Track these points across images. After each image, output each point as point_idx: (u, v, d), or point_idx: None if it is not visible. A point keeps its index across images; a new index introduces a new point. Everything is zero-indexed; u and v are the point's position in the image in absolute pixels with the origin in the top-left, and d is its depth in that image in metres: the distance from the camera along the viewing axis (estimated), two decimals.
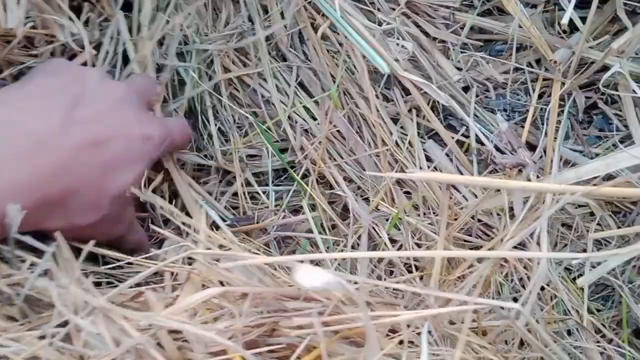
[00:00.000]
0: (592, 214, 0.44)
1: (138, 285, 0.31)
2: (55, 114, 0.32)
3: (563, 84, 0.43)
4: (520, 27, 0.46)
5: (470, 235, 0.44)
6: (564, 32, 0.46)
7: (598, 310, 0.43)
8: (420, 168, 0.45)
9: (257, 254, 0.36)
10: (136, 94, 0.38)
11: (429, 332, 0.33)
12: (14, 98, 0.33)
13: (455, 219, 0.43)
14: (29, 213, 0.29)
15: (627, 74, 0.38)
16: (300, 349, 0.26)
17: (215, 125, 0.49)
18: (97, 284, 0.35)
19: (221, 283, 0.31)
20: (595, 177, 0.41)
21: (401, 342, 0.28)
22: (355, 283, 0.31)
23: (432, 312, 0.27)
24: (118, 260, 0.35)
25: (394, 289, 0.41)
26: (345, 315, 0.27)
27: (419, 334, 0.30)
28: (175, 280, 0.34)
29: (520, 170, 0.41)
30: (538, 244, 0.30)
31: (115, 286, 0.32)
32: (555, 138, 0.42)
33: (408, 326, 0.30)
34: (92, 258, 0.37)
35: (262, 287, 0.29)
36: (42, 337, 0.27)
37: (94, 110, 0.34)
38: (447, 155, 0.45)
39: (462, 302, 0.26)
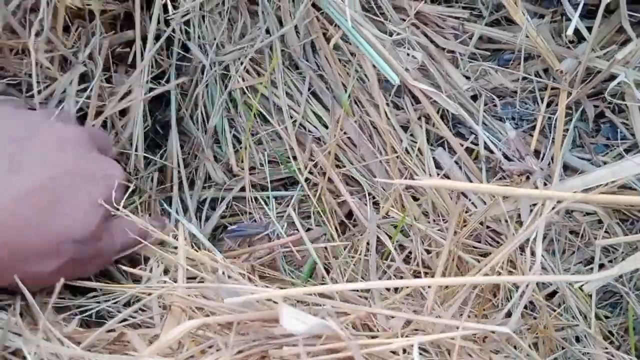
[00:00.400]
0: (600, 221, 0.44)
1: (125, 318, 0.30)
2: None
3: (570, 93, 0.44)
4: (527, 37, 0.47)
5: (479, 242, 0.44)
6: (571, 42, 0.47)
7: (606, 317, 0.43)
8: (430, 175, 0.46)
9: (242, 273, 0.35)
10: (90, 137, 0.36)
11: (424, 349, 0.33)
12: None
13: (464, 226, 0.43)
14: None
15: (632, 83, 0.39)
16: None
17: (230, 132, 0.51)
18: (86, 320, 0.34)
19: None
20: (602, 185, 0.42)
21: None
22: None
23: (421, 339, 0.27)
24: (97, 290, 0.34)
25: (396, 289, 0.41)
26: (335, 344, 0.27)
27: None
28: (164, 308, 0.33)
29: (527, 177, 0.41)
30: (533, 253, 0.31)
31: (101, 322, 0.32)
32: (562, 146, 0.43)
33: (404, 351, 0.30)
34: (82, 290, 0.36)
35: (247, 312, 0.28)
36: None
37: (43, 154, 0.32)
38: (456, 162, 0.46)
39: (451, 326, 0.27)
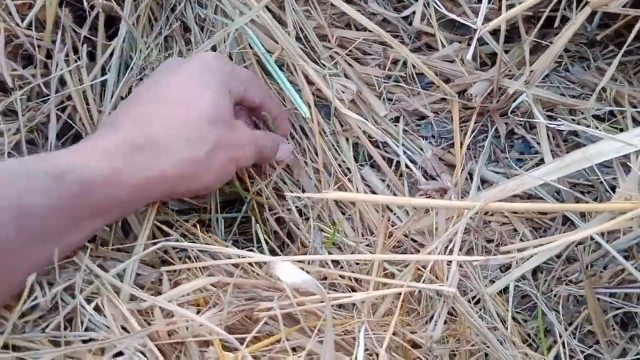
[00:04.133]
0: (515, 230, 0.47)
1: None
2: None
3: (482, 112, 0.47)
4: (445, 61, 0.50)
5: (405, 254, 0.47)
6: (485, 64, 0.51)
7: (525, 321, 0.46)
8: (357, 190, 0.48)
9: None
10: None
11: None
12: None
13: (390, 236, 0.46)
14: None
15: (531, 102, 0.43)
16: (257, 329, 0.31)
17: None
18: None
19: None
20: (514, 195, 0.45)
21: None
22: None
23: (380, 293, 0.33)
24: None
25: None
26: (303, 298, 0.31)
27: None
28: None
29: (444, 192, 0.44)
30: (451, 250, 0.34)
31: None
32: (476, 162, 0.46)
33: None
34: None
35: (245, 279, 0.35)
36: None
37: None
38: (383, 180, 0.49)
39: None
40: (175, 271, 0.38)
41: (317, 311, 0.32)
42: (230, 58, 0.51)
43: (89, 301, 0.32)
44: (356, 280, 0.46)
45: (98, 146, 0.33)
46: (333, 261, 0.48)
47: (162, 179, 0.34)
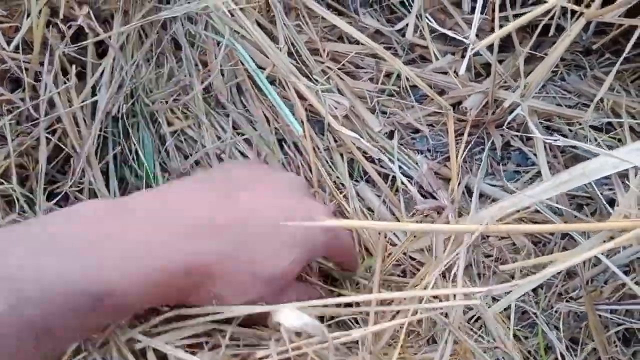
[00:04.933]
0: (514, 244, 0.47)
1: None
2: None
3: (477, 125, 0.47)
4: (439, 73, 0.50)
5: (405, 275, 0.46)
6: (479, 75, 0.50)
7: (526, 338, 0.45)
8: (354, 208, 0.47)
9: None
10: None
11: None
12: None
13: (389, 255, 0.45)
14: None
15: (527, 116, 0.42)
16: None
17: (163, 177, 0.51)
18: None
19: None
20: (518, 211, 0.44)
21: None
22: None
23: (379, 327, 0.31)
24: None
25: None
26: (300, 342, 0.29)
27: None
28: None
29: (442, 210, 0.44)
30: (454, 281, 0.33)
31: None
32: (473, 175, 0.45)
33: None
34: None
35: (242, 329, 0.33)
36: None
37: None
38: (379, 196, 0.48)
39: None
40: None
41: (318, 352, 0.31)
42: (222, 75, 0.51)
43: None
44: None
45: (151, 277, 0.29)
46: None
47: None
